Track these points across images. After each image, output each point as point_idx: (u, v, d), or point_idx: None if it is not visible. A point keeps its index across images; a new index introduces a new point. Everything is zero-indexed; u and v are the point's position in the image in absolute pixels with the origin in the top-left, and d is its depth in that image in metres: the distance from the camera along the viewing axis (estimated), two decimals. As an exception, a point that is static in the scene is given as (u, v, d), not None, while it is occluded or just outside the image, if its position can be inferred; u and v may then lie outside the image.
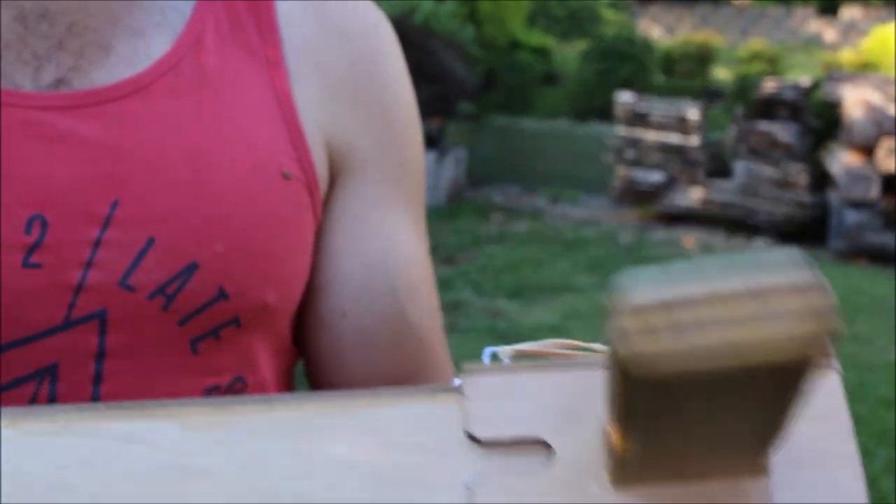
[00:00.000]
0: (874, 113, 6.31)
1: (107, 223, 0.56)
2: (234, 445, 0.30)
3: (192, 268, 0.57)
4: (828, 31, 14.19)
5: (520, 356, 0.40)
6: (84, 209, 0.55)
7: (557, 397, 0.33)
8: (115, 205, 0.56)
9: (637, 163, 6.94)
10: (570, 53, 9.88)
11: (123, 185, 0.56)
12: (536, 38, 9.80)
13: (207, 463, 0.29)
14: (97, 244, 0.55)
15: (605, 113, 7.97)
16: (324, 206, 0.64)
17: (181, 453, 0.29)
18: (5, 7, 0.56)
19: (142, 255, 0.56)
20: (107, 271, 0.56)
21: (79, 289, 0.55)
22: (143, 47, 0.60)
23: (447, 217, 6.73)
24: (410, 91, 0.69)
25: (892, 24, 9.00)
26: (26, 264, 0.55)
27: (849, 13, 14.26)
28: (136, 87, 0.58)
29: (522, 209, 7.20)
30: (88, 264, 0.55)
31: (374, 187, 0.65)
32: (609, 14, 12.00)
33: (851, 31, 13.64)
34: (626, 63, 8.39)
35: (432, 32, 6.98)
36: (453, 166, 7.41)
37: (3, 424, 0.30)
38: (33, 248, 0.55)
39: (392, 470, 0.31)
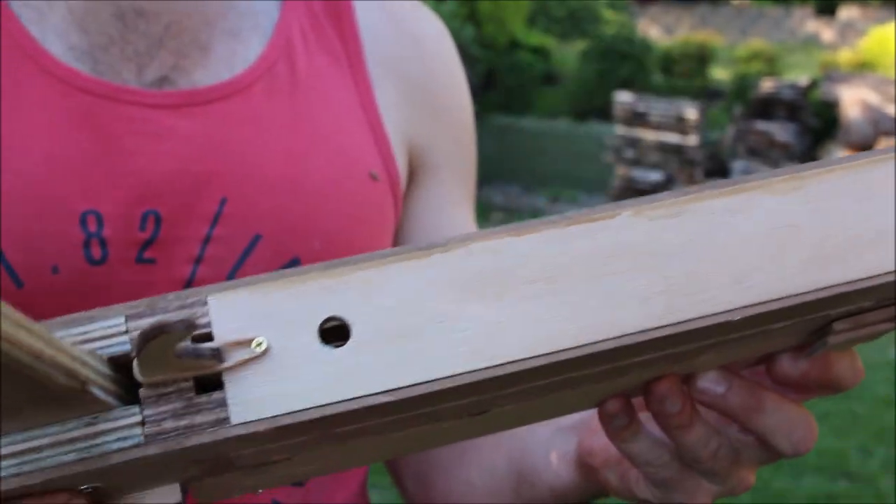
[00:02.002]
0: (872, 112, 6.32)
1: (216, 220, 0.57)
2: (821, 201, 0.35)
3: (294, 263, 0.58)
4: (826, 32, 14.21)
5: None
6: (194, 206, 0.56)
7: None
8: (223, 202, 0.57)
9: (636, 162, 6.96)
10: (570, 53, 9.89)
11: (229, 183, 0.57)
12: (536, 38, 9.81)
13: (798, 218, 0.35)
14: (207, 240, 0.56)
15: (604, 113, 7.98)
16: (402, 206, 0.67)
17: (777, 214, 0.35)
18: (103, 5, 0.57)
19: (248, 251, 0.57)
20: (215, 267, 0.56)
21: (188, 284, 0.56)
22: (241, 49, 0.61)
23: (447, 217, 6.72)
24: (469, 95, 0.72)
25: (890, 25, 9.02)
26: (140, 259, 0.55)
27: (847, 13, 14.27)
28: (236, 89, 0.59)
29: (522, 209, 7.21)
30: (198, 260, 0.56)
31: (447, 187, 0.68)
32: (609, 14, 12.01)
33: (849, 32, 13.65)
34: (626, 63, 8.40)
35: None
36: (453, 166, 7.41)
37: (628, 213, 0.34)
38: (148, 244, 0.55)
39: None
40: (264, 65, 0.60)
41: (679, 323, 0.34)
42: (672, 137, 6.81)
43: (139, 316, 0.31)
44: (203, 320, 0.31)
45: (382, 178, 0.62)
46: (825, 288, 0.35)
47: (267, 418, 0.31)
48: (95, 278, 0.54)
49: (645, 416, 0.43)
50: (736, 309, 0.34)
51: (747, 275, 0.34)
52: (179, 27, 0.58)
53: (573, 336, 0.33)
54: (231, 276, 0.57)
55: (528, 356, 0.33)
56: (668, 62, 9.48)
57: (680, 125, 6.76)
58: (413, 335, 0.32)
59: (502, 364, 0.32)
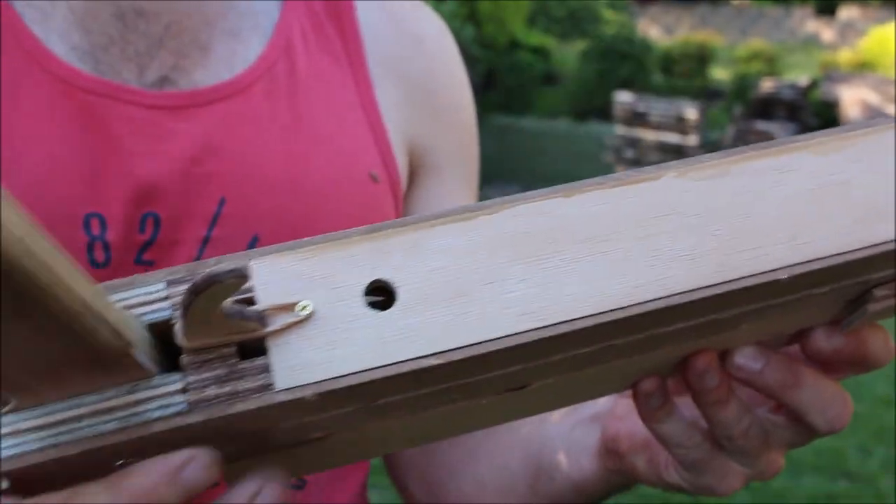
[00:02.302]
0: (872, 112, 6.32)
1: (214, 221, 0.56)
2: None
3: None
4: (826, 32, 14.20)
5: None
6: (193, 207, 0.56)
7: None
8: (222, 202, 0.57)
9: (636, 162, 6.96)
10: (570, 53, 9.89)
11: (228, 184, 0.57)
12: (536, 38, 9.81)
13: (845, 177, 0.35)
14: (205, 242, 0.56)
15: (604, 113, 7.98)
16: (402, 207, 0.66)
17: (825, 173, 0.35)
18: (103, 5, 0.57)
19: None
20: None
21: None
22: (241, 50, 0.61)
23: (447, 217, 6.71)
24: (471, 94, 0.72)
25: (890, 25, 9.02)
26: (139, 261, 0.55)
27: (847, 13, 14.26)
28: (236, 90, 0.59)
29: (522, 209, 7.19)
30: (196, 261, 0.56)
31: (448, 188, 0.68)
32: (609, 14, 12.00)
33: (849, 32, 13.64)
34: (626, 63, 8.40)
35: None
36: (453, 166, 7.41)
37: (672, 175, 0.34)
38: (146, 246, 0.55)
39: None
40: (264, 65, 0.60)
41: (730, 281, 0.33)
42: (672, 137, 6.81)
43: (180, 282, 0.31)
44: (246, 284, 0.30)
45: (383, 178, 0.62)
46: (877, 245, 0.34)
47: (312, 383, 0.30)
48: (98, 281, 0.54)
49: (675, 401, 0.43)
50: (789, 266, 0.34)
51: (798, 232, 0.34)
52: (179, 27, 0.59)
53: (623, 295, 0.33)
54: None
55: (577, 316, 0.32)
56: (668, 62, 9.48)
57: (680, 125, 6.76)
58: (460, 298, 0.32)
59: (552, 325, 0.32)
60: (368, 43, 0.65)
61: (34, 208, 0.53)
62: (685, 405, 0.42)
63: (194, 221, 0.56)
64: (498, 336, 0.32)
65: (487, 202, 0.33)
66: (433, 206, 0.67)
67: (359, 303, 0.31)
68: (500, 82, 8.38)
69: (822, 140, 0.36)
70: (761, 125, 6.66)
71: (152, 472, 0.30)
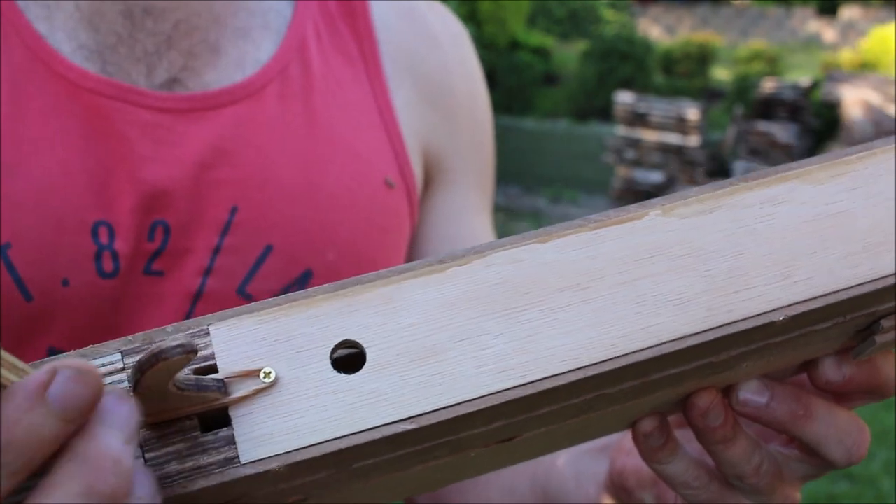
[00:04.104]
0: (873, 113, 6.31)
1: (226, 229, 0.55)
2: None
3: (306, 276, 0.56)
4: (827, 32, 14.19)
5: None
6: (204, 215, 0.54)
7: None
8: (233, 211, 0.55)
9: (637, 163, 6.95)
10: (570, 53, 9.89)
11: (240, 191, 0.55)
12: (536, 38, 9.81)
13: (841, 207, 0.33)
14: (216, 251, 0.54)
15: (605, 113, 7.97)
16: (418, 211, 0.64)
17: (820, 204, 0.33)
18: (110, 3, 0.56)
19: (260, 262, 0.55)
20: (224, 279, 0.54)
21: (197, 297, 0.54)
22: (252, 50, 0.59)
23: (447, 217, 6.71)
24: (487, 96, 0.70)
25: (891, 25, 9.01)
26: (148, 271, 0.53)
27: (848, 14, 14.25)
28: (249, 92, 0.57)
29: (523, 209, 7.21)
30: (207, 271, 0.54)
31: (465, 192, 0.66)
32: (609, 14, 12.00)
33: (850, 32, 13.64)
34: (626, 63, 8.39)
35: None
36: (453, 166, 7.40)
37: (656, 213, 0.32)
38: (156, 255, 0.53)
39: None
40: (277, 66, 0.59)
41: (722, 326, 0.32)
42: (673, 138, 6.80)
43: (136, 351, 0.29)
44: (206, 352, 0.29)
45: (398, 184, 0.61)
46: (877, 279, 0.32)
47: (279, 455, 0.28)
48: (106, 292, 0.52)
49: (680, 436, 0.41)
50: (784, 307, 0.32)
51: (793, 268, 0.32)
52: (188, 26, 0.57)
53: (608, 347, 0.31)
54: (241, 289, 0.55)
55: (559, 371, 0.30)
56: (669, 62, 9.47)
57: (681, 126, 6.75)
58: (433, 356, 0.30)
59: (532, 382, 0.30)
60: (383, 42, 0.63)
61: (42, 217, 0.51)
62: (691, 440, 0.41)
63: (205, 230, 0.54)
64: (475, 397, 0.30)
65: (458, 252, 0.31)
66: (449, 213, 0.65)
67: (325, 366, 0.30)
68: (500, 82, 8.37)
69: (816, 168, 0.34)
70: (762, 126, 6.65)
71: (15, 398, 0.26)
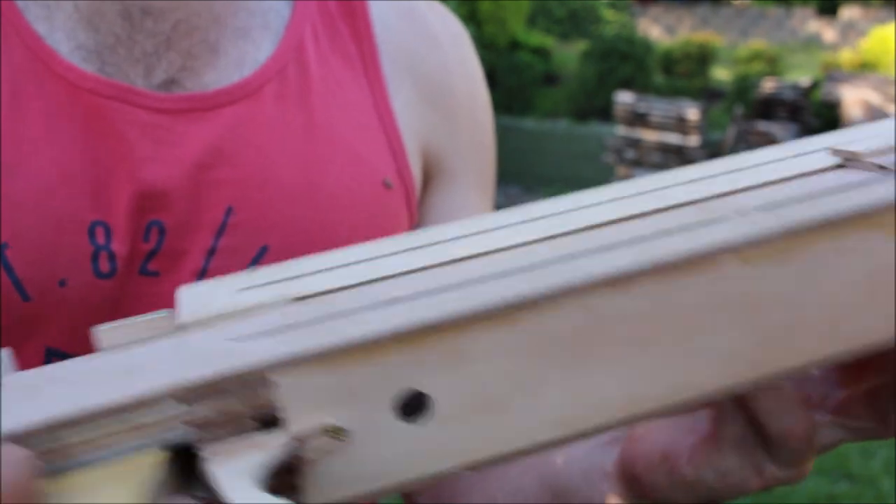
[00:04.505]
0: (873, 113, 6.32)
1: (221, 230, 0.55)
2: None
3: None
4: (827, 32, 14.20)
5: None
6: (200, 216, 0.54)
7: None
8: (229, 211, 0.55)
9: (637, 163, 6.95)
10: (570, 53, 9.90)
11: (237, 192, 0.55)
12: (536, 38, 9.81)
13: None
14: (211, 252, 0.54)
15: (604, 113, 7.98)
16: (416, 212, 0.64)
17: (885, 256, 0.33)
18: (109, 3, 0.56)
19: (254, 263, 0.55)
20: None
21: None
22: (252, 51, 0.59)
23: (447, 217, 6.72)
24: (488, 96, 0.70)
25: (891, 25, 9.02)
26: (144, 272, 0.53)
27: (848, 14, 14.26)
28: (247, 92, 0.57)
29: (522, 209, 7.20)
30: (202, 273, 0.54)
31: (464, 192, 0.66)
32: (609, 14, 12.01)
33: (850, 32, 13.65)
34: (626, 63, 8.40)
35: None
36: (453, 166, 7.41)
37: (729, 258, 0.31)
38: (151, 256, 0.54)
39: None
40: (275, 67, 0.59)
41: (764, 377, 0.32)
42: (673, 138, 6.80)
43: (200, 398, 0.28)
44: (269, 399, 0.28)
45: (396, 185, 0.60)
46: None
47: (340, 500, 0.29)
48: (103, 292, 0.52)
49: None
50: (829, 358, 0.32)
51: (845, 322, 0.32)
52: (187, 26, 0.57)
53: (658, 397, 0.31)
54: None
55: (611, 422, 0.31)
56: (669, 62, 9.48)
57: (681, 126, 6.75)
58: (495, 405, 0.30)
59: (585, 432, 0.31)
60: (382, 42, 0.63)
61: (40, 217, 0.52)
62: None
63: (201, 231, 0.54)
64: (531, 445, 0.31)
65: (530, 294, 0.30)
66: (449, 216, 0.65)
67: (391, 415, 0.30)
68: (500, 82, 8.38)
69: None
70: (762, 126, 6.66)
71: None
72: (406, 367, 0.30)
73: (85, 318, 0.52)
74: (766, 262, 0.32)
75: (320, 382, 0.29)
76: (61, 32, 0.55)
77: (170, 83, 0.56)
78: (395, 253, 0.36)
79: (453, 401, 0.30)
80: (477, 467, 0.30)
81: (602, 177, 7.30)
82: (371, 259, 0.36)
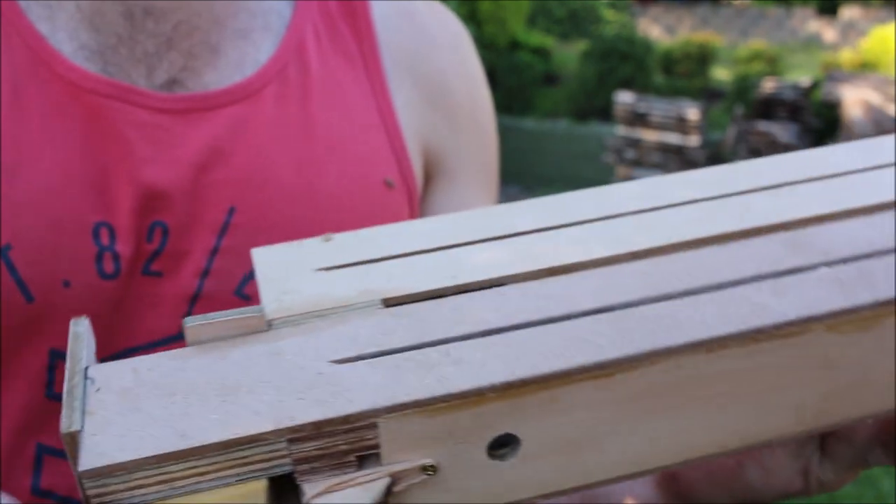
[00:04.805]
0: (873, 113, 6.31)
1: (223, 230, 0.55)
2: None
3: None
4: (827, 32, 14.19)
5: None
6: (202, 216, 0.54)
7: None
8: (231, 212, 0.55)
9: (637, 163, 6.95)
10: (570, 53, 9.89)
11: (238, 192, 0.55)
12: (536, 38, 9.81)
13: None
14: (214, 252, 0.54)
15: (605, 113, 7.98)
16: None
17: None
18: (111, 4, 0.56)
19: None
20: (223, 280, 0.54)
21: (195, 298, 0.54)
22: (252, 51, 0.59)
23: (447, 217, 6.70)
24: (489, 95, 0.70)
25: (892, 25, 9.01)
26: (147, 272, 0.54)
27: (848, 13, 14.25)
28: (247, 93, 0.57)
29: (522, 209, 7.18)
30: (205, 273, 0.54)
31: (465, 192, 0.66)
32: (609, 14, 12.00)
33: (851, 32, 13.64)
34: (626, 63, 8.39)
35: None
36: (453, 166, 7.40)
37: (821, 330, 0.32)
38: (154, 256, 0.54)
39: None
40: (275, 67, 0.59)
41: (825, 426, 0.34)
42: (673, 138, 6.80)
43: (304, 439, 0.29)
44: (372, 441, 0.29)
45: (398, 184, 0.60)
46: None
47: None
48: (106, 293, 0.52)
49: None
50: (887, 411, 0.34)
51: None
52: (189, 26, 0.57)
53: (720, 443, 0.33)
54: (239, 290, 0.55)
55: (674, 462, 0.33)
56: (669, 62, 9.47)
57: (681, 126, 6.75)
58: (578, 447, 0.32)
59: (649, 470, 0.33)
60: (383, 42, 0.63)
61: (44, 218, 0.52)
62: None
63: (203, 231, 0.54)
64: (599, 480, 0.32)
65: (632, 354, 0.31)
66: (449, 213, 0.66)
67: (481, 455, 0.31)
68: (500, 82, 8.37)
69: None
70: (763, 126, 6.65)
71: None
72: (505, 414, 0.30)
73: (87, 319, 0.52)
74: (850, 330, 0.33)
75: (422, 425, 0.30)
76: (63, 33, 0.55)
77: (172, 83, 0.56)
78: (471, 242, 0.37)
79: (539, 442, 0.31)
80: (548, 498, 0.32)
81: (602, 177, 7.29)
82: (446, 247, 0.36)
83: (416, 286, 0.34)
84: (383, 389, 0.30)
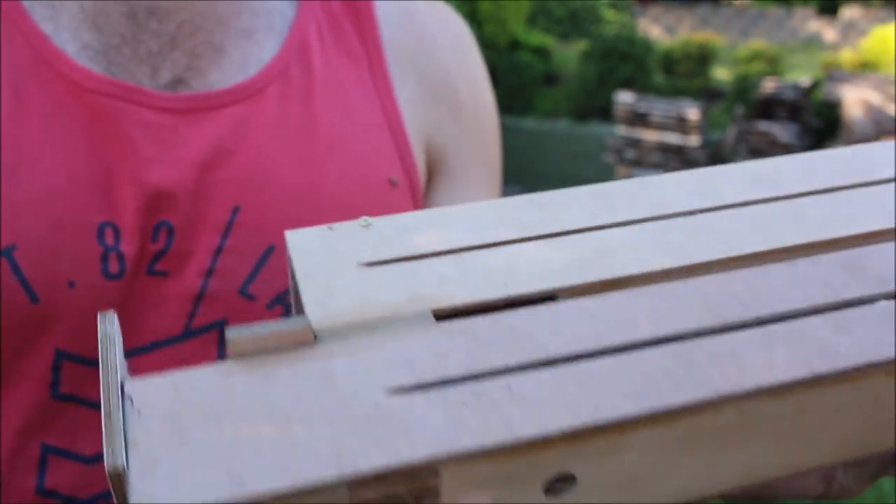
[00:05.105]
0: (873, 112, 6.32)
1: (228, 230, 0.55)
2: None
3: None
4: (827, 32, 14.18)
5: None
6: (206, 216, 0.54)
7: None
8: (235, 211, 0.55)
9: (637, 163, 6.95)
10: (570, 53, 9.89)
11: (242, 192, 0.55)
12: (536, 38, 9.81)
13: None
14: (218, 251, 0.54)
15: (605, 113, 7.98)
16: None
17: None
18: (114, 4, 0.56)
19: (261, 262, 0.55)
20: (226, 279, 0.54)
21: (199, 297, 0.54)
22: (255, 51, 0.59)
23: (447, 217, 6.70)
24: (492, 95, 0.70)
25: (892, 25, 9.01)
26: (151, 272, 0.54)
27: (848, 13, 14.25)
28: (250, 93, 0.57)
29: (522, 209, 7.18)
30: (209, 272, 0.54)
31: (467, 190, 0.66)
32: (609, 14, 12.00)
33: (851, 32, 13.63)
34: (626, 63, 8.39)
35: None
36: (453, 166, 7.40)
37: (881, 377, 0.33)
38: (159, 256, 0.54)
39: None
40: (278, 67, 0.59)
41: (865, 454, 0.35)
42: (673, 138, 6.80)
43: (365, 484, 0.28)
44: (433, 483, 0.29)
45: (402, 183, 0.61)
46: None
47: None
48: (111, 293, 0.52)
49: None
50: None
51: None
52: (192, 26, 0.57)
53: (767, 474, 0.34)
54: (243, 290, 0.55)
55: (720, 491, 0.33)
56: (669, 62, 9.47)
57: (681, 125, 6.75)
58: (631, 484, 0.32)
59: (697, 499, 0.33)
60: (387, 41, 0.63)
61: (46, 217, 0.52)
62: None
63: (207, 231, 0.54)
64: None
65: (696, 401, 0.31)
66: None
67: (538, 493, 0.30)
68: (500, 82, 8.37)
69: None
70: (763, 125, 6.65)
71: None
72: (567, 456, 0.30)
73: (93, 320, 0.52)
74: None
75: (483, 470, 0.29)
76: (67, 33, 0.55)
77: (176, 83, 0.56)
78: (518, 240, 0.35)
79: (595, 480, 0.31)
80: None
81: (602, 177, 7.29)
82: (493, 244, 0.35)
83: (467, 294, 0.33)
84: (446, 432, 0.29)
